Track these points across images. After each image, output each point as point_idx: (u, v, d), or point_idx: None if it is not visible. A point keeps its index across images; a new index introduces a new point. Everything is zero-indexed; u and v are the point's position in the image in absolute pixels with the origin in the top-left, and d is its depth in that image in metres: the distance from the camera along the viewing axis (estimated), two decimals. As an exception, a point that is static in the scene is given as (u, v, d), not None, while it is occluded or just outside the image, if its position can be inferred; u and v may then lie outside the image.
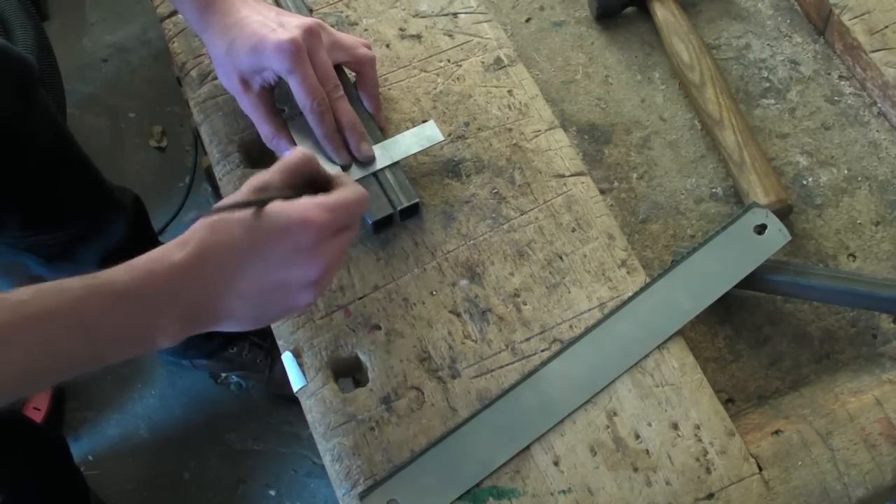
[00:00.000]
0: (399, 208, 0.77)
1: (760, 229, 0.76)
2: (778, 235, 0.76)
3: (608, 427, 0.70)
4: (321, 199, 0.61)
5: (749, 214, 0.77)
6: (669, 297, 0.74)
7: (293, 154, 0.64)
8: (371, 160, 0.79)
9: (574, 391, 0.71)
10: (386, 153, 0.79)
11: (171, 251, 0.57)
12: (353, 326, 0.75)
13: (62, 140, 1.14)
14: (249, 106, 0.79)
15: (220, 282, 0.58)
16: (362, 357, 0.74)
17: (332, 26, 0.90)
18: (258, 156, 0.85)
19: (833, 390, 0.73)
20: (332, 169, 0.76)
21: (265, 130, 0.79)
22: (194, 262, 0.57)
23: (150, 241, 1.36)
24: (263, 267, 0.59)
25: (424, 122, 0.82)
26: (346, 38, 0.81)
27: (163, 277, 0.56)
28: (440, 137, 0.80)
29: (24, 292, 0.52)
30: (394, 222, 0.79)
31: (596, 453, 0.69)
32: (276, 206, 0.59)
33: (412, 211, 0.79)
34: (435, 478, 0.68)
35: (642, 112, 0.93)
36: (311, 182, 0.64)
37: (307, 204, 0.60)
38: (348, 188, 0.64)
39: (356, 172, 0.78)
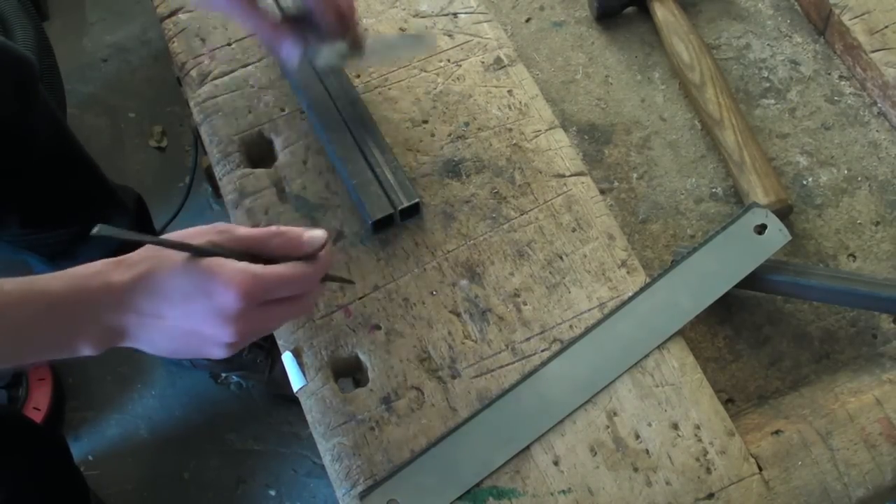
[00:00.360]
0: (399, 208, 0.77)
1: (761, 229, 0.76)
2: (778, 235, 0.76)
3: (608, 427, 0.70)
4: (256, 268, 0.60)
5: (749, 214, 0.77)
6: (669, 297, 0.74)
7: (268, 229, 0.63)
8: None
9: (574, 391, 0.71)
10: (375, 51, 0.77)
11: (111, 270, 0.59)
12: (353, 326, 0.75)
13: (63, 138, 1.14)
14: (240, 9, 0.73)
15: (147, 313, 0.60)
16: (362, 357, 0.74)
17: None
18: (258, 156, 0.85)
19: (833, 390, 0.73)
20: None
21: (265, 30, 0.74)
22: (130, 289, 0.59)
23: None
24: (185, 313, 0.60)
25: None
26: None
27: (96, 295, 0.58)
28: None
29: None
30: (394, 222, 0.79)
31: (596, 453, 0.69)
32: (214, 262, 0.59)
33: (412, 211, 0.79)
34: (434, 477, 0.68)
35: (642, 112, 0.93)
36: (273, 256, 0.63)
37: (237, 270, 0.59)
38: (293, 267, 0.62)
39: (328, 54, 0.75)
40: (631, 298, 0.75)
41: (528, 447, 0.69)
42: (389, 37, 0.80)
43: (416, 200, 0.78)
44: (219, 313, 0.59)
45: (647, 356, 0.72)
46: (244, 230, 0.62)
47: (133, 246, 0.62)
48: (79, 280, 0.58)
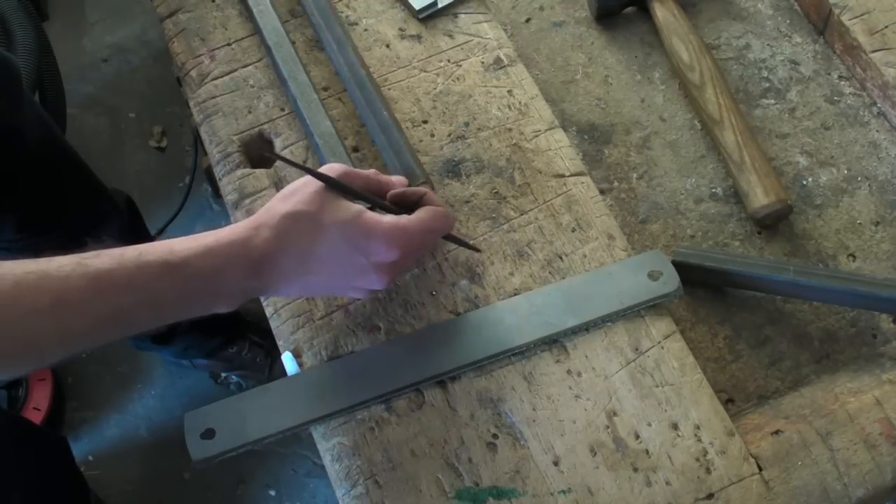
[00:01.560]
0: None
1: (656, 275, 0.74)
2: (669, 286, 0.74)
3: (608, 427, 0.70)
4: (405, 222, 0.65)
5: (649, 255, 0.76)
6: (547, 304, 0.74)
7: (371, 171, 0.69)
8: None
9: (420, 368, 0.72)
10: None
11: (250, 237, 0.61)
12: (353, 326, 0.75)
13: (53, 141, 1.14)
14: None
15: (290, 275, 0.63)
16: (362, 357, 0.74)
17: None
18: (258, 156, 0.85)
19: (833, 390, 0.73)
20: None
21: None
22: (271, 256, 0.61)
23: (145, 241, 1.36)
24: (336, 271, 0.64)
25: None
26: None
27: (237, 266, 0.60)
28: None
29: (104, 261, 0.56)
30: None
31: (596, 453, 0.69)
32: (366, 220, 0.63)
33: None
34: (255, 415, 0.71)
35: (642, 112, 0.93)
36: (399, 197, 0.70)
37: (394, 227, 0.64)
38: (429, 212, 0.68)
39: None
40: (514, 294, 0.76)
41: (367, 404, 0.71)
42: None
43: (423, 181, 0.78)
44: (377, 267, 0.64)
45: (647, 354, 0.73)
46: (356, 174, 0.67)
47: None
48: (217, 252, 0.60)
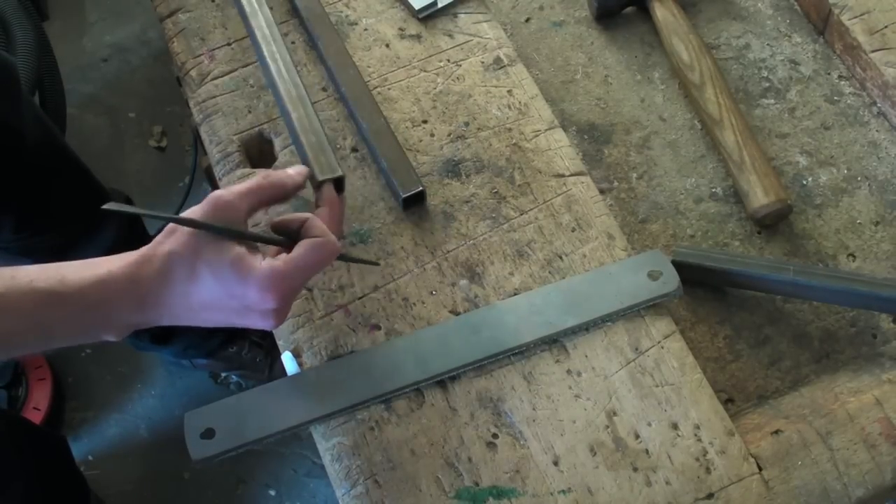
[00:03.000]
0: (403, 196, 0.78)
1: (655, 275, 0.74)
2: (669, 286, 0.74)
3: (608, 427, 0.70)
4: (280, 265, 0.61)
5: (648, 255, 0.76)
6: (546, 304, 0.74)
7: (258, 177, 0.66)
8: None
9: (419, 368, 0.72)
10: None
11: (138, 268, 0.60)
12: (353, 326, 0.75)
13: (52, 142, 1.14)
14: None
15: (178, 309, 0.62)
16: (362, 357, 0.74)
17: (332, 26, 0.90)
18: (258, 156, 0.85)
19: (833, 390, 0.73)
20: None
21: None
22: (157, 287, 0.60)
23: (143, 242, 1.36)
24: (220, 312, 0.63)
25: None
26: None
27: (125, 298, 0.60)
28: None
29: None
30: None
31: (596, 453, 0.69)
32: (243, 264, 0.60)
33: (417, 199, 0.79)
34: (255, 416, 0.71)
35: (642, 112, 0.93)
36: (280, 225, 0.66)
37: (268, 274, 0.61)
38: (307, 249, 0.63)
39: None
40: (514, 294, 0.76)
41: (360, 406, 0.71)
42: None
43: (421, 189, 0.78)
44: (257, 312, 0.63)
45: (646, 352, 0.73)
46: (237, 197, 0.63)
47: (126, 245, 0.62)
48: (108, 284, 0.59)
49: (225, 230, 0.61)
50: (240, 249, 0.61)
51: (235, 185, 0.64)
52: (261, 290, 0.61)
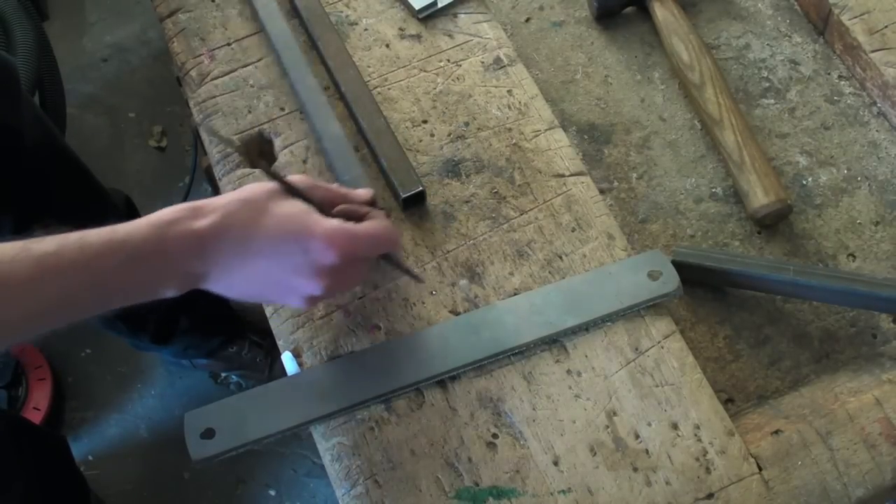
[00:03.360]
0: (403, 196, 0.78)
1: (655, 275, 0.74)
2: (669, 285, 0.74)
3: (608, 427, 0.70)
4: (350, 226, 0.63)
5: (648, 255, 0.76)
6: (546, 305, 0.74)
7: (335, 185, 0.69)
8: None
9: (421, 367, 0.72)
10: None
11: (191, 218, 0.60)
12: (353, 326, 0.75)
13: (52, 142, 1.14)
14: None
15: (232, 259, 0.61)
16: (362, 357, 0.74)
17: (332, 26, 0.90)
18: (258, 156, 0.85)
19: (833, 390, 0.73)
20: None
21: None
22: (212, 237, 0.60)
23: None
24: (276, 263, 0.62)
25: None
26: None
27: (179, 243, 0.59)
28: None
29: (48, 244, 0.56)
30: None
31: (596, 453, 0.69)
32: (311, 218, 0.62)
33: (417, 200, 0.79)
34: (256, 414, 0.71)
35: (642, 112, 0.93)
36: (345, 212, 0.68)
37: (336, 228, 0.62)
38: (378, 222, 0.66)
39: None
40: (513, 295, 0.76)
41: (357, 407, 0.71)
42: None
43: (421, 189, 0.78)
44: (312, 268, 0.62)
45: (647, 353, 0.73)
46: (319, 182, 0.67)
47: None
48: (159, 229, 0.59)
49: (304, 195, 0.63)
50: (312, 209, 0.63)
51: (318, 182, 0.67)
52: (328, 238, 0.61)
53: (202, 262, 0.60)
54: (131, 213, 1.36)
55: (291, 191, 0.64)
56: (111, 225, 0.59)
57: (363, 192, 0.71)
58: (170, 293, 0.61)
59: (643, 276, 0.74)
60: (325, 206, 0.66)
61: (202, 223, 0.59)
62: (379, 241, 0.66)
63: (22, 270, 0.54)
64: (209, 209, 0.60)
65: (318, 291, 0.63)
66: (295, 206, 0.63)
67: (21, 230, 1.14)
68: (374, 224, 0.66)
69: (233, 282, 0.62)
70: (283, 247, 0.61)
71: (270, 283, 0.63)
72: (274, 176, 0.64)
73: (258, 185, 0.64)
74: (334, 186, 0.69)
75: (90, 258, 0.56)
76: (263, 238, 0.61)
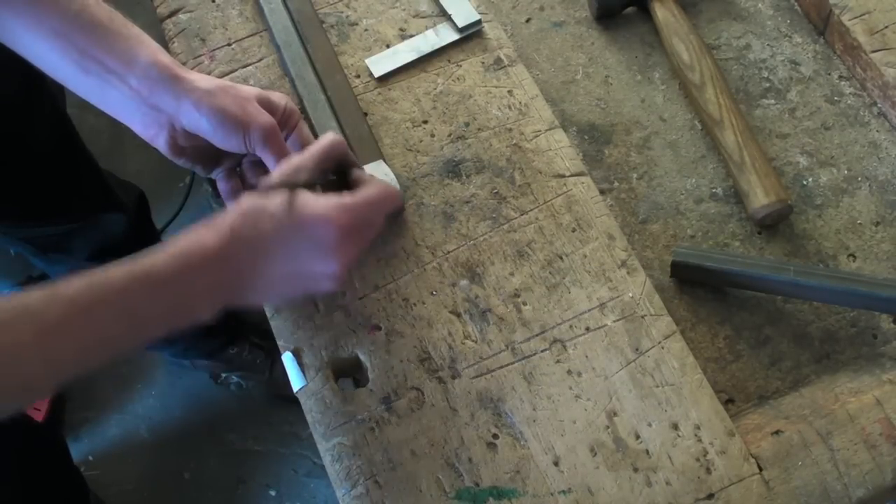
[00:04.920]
0: None
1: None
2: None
3: (608, 427, 0.70)
4: (345, 199, 0.65)
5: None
6: None
7: (324, 139, 0.69)
8: None
9: None
10: None
11: (204, 237, 0.61)
12: (353, 326, 0.75)
13: (64, 133, 1.14)
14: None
15: (250, 267, 0.63)
16: (362, 357, 0.74)
17: (332, 27, 0.90)
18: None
19: (833, 390, 0.73)
20: None
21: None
22: (227, 249, 0.61)
23: (149, 238, 1.36)
24: (287, 257, 0.63)
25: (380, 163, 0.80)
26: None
27: (198, 264, 0.60)
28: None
29: (76, 285, 0.56)
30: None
31: (596, 453, 0.69)
32: (304, 201, 0.63)
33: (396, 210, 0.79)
34: None
35: (642, 112, 0.93)
36: (340, 165, 0.70)
37: (331, 204, 0.64)
38: (372, 187, 0.68)
39: None
40: None
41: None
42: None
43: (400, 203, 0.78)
44: (321, 247, 0.64)
45: (648, 354, 0.73)
46: (308, 158, 0.67)
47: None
48: (179, 254, 0.60)
49: (282, 183, 0.64)
50: (295, 193, 0.64)
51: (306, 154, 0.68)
52: (323, 219, 0.62)
53: (221, 278, 0.62)
54: (142, 208, 1.36)
55: (281, 186, 0.65)
56: (132, 258, 0.60)
57: (328, 141, 0.70)
58: (204, 316, 0.62)
59: None
60: (315, 181, 0.67)
61: (213, 239, 0.61)
62: (379, 204, 0.68)
63: (57, 314, 0.55)
64: (216, 228, 0.62)
65: (334, 269, 0.65)
66: (286, 198, 0.64)
67: (27, 220, 1.14)
68: (370, 188, 0.67)
69: (257, 288, 0.64)
70: (288, 241, 0.63)
71: (293, 277, 0.65)
72: (269, 189, 0.64)
73: (250, 196, 0.65)
74: (307, 155, 0.68)
75: (117, 292, 0.58)
76: (269, 240, 0.62)
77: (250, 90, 0.71)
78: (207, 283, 0.61)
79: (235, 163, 0.76)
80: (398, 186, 0.73)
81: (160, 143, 0.72)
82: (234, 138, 0.69)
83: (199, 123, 0.68)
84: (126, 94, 0.68)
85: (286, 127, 0.74)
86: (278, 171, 0.67)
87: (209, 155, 0.75)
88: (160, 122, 0.70)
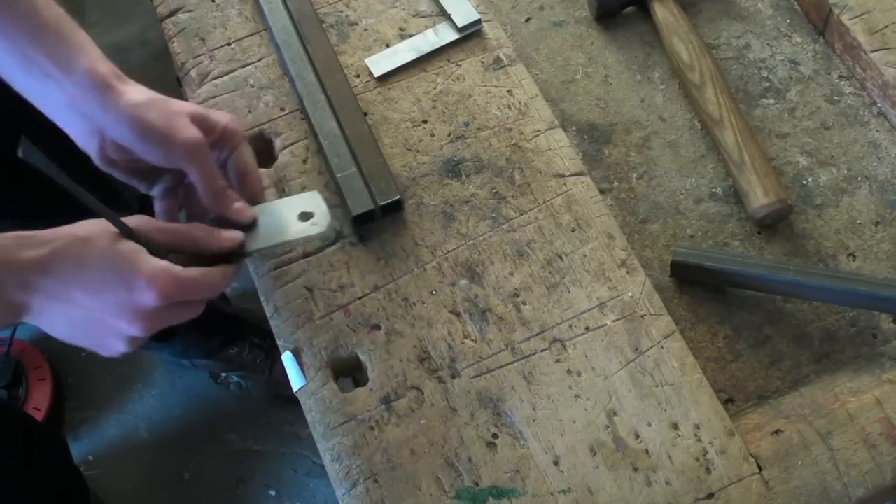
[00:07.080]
0: (381, 203, 0.78)
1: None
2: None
3: (608, 427, 0.70)
4: (177, 269, 0.61)
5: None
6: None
7: (187, 225, 0.67)
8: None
9: None
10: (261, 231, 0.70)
11: (19, 246, 0.59)
12: (353, 326, 0.75)
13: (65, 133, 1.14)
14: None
15: (55, 295, 0.60)
16: (362, 357, 0.74)
17: (332, 27, 0.90)
18: (258, 156, 0.85)
19: (833, 390, 0.73)
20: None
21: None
22: (38, 268, 0.59)
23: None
24: (98, 302, 0.60)
25: (306, 190, 0.77)
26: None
27: (8, 267, 0.58)
28: (323, 225, 0.69)
29: None
30: (374, 218, 0.79)
31: (596, 453, 0.69)
32: (137, 256, 0.60)
33: (394, 207, 0.79)
34: None
35: (642, 112, 0.93)
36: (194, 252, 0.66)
37: (160, 268, 0.60)
38: (210, 272, 0.64)
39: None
40: None
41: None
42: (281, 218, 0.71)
43: (398, 198, 0.78)
44: (134, 308, 0.60)
45: (647, 354, 0.73)
46: (165, 224, 0.65)
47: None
48: None
49: (139, 236, 0.61)
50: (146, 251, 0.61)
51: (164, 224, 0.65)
52: (149, 281, 0.59)
53: (24, 295, 0.59)
54: (145, 209, 1.36)
55: (129, 233, 0.62)
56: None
57: (228, 235, 0.67)
58: None
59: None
60: (169, 249, 0.64)
61: (28, 255, 0.58)
62: (202, 289, 0.64)
63: None
64: (39, 241, 0.59)
65: (137, 333, 0.62)
66: (127, 246, 0.61)
67: (28, 220, 1.14)
68: (203, 271, 0.63)
69: (54, 320, 0.61)
70: (106, 286, 0.60)
71: (91, 323, 0.62)
72: (111, 218, 0.61)
73: (96, 223, 0.62)
74: (184, 228, 0.66)
75: None
76: (88, 276, 0.60)
77: (184, 105, 0.68)
78: (4, 294, 0.58)
79: (176, 181, 0.73)
80: (330, 219, 0.69)
81: (91, 152, 0.69)
82: (159, 152, 0.66)
83: (124, 135, 0.66)
84: (62, 99, 0.67)
85: (223, 147, 0.71)
86: (147, 221, 0.64)
87: (144, 170, 0.72)
88: (91, 131, 0.68)
